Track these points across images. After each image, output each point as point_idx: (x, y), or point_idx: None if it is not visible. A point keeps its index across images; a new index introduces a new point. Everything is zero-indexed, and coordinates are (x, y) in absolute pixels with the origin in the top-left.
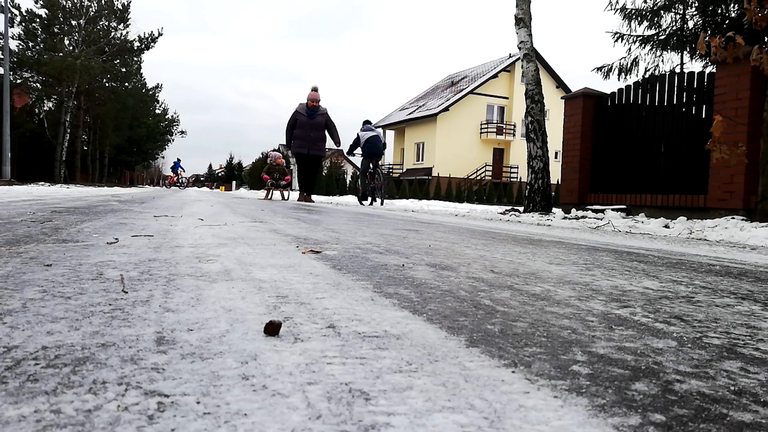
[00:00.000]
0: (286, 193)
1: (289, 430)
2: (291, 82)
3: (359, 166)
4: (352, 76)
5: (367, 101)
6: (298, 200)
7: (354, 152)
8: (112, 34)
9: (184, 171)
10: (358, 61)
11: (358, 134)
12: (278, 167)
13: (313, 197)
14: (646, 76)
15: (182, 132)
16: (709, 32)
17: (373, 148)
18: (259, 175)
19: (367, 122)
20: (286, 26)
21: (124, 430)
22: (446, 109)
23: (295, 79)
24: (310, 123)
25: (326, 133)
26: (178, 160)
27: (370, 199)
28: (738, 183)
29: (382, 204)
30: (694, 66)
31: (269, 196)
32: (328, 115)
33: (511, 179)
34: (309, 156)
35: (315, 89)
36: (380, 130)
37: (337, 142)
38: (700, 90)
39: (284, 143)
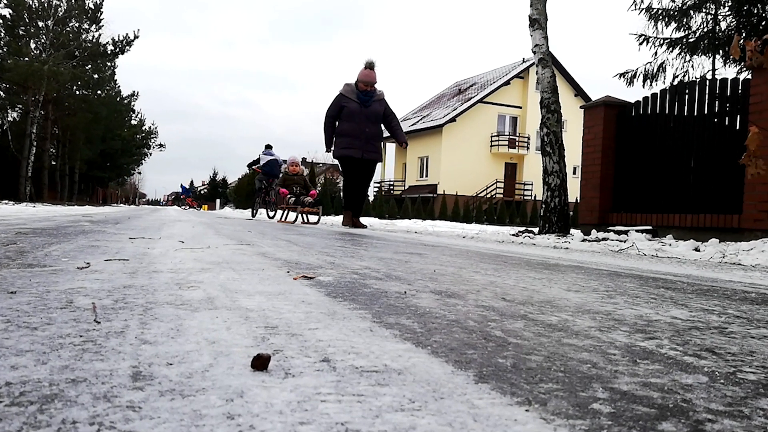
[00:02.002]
0: (314, 216)
1: None
2: (277, 89)
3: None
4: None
5: None
6: (344, 224)
7: (253, 167)
8: (83, 36)
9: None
10: (353, 66)
11: (259, 155)
12: (297, 177)
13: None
14: (674, 82)
15: (161, 145)
16: (743, 34)
17: (271, 169)
18: (249, 190)
19: (268, 146)
20: (270, 27)
21: None
22: (453, 119)
23: (282, 85)
24: (363, 113)
25: (383, 128)
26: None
27: (266, 211)
28: None
29: (272, 218)
30: (727, 72)
31: (285, 217)
32: (387, 103)
33: (525, 197)
34: (363, 162)
35: (370, 66)
36: (278, 154)
37: (403, 140)
38: (733, 98)
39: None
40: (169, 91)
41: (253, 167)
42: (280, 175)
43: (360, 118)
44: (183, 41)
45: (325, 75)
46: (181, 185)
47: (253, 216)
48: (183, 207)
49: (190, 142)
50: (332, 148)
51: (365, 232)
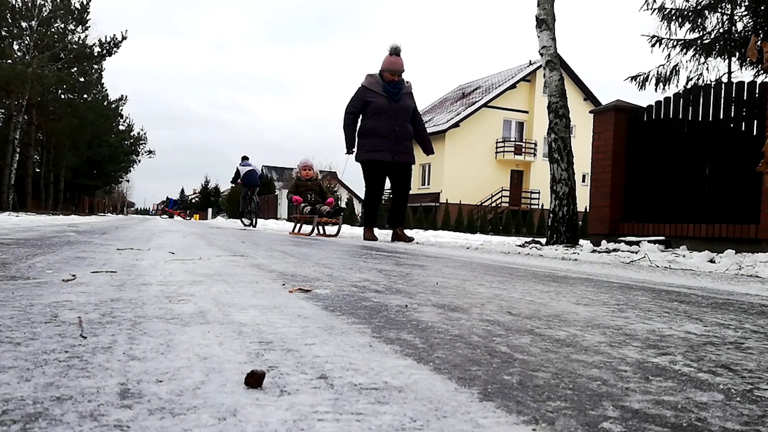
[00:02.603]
0: (333, 227)
1: None
2: (272, 92)
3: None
4: (345, 86)
5: None
6: (366, 238)
7: (237, 182)
8: (69, 37)
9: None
10: (351, 68)
11: (237, 168)
12: (312, 183)
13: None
14: (688, 86)
15: (150, 152)
16: (761, 35)
17: (250, 179)
18: (239, 198)
19: (245, 158)
20: (264, 28)
21: None
22: (456, 124)
23: (277, 89)
24: (393, 108)
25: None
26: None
27: (248, 220)
28: None
29: (255, 225)
30: (744, 75)
31: (298, 229)
32: (414, 97)
33: (532, 206)
34: (394, 166)
35: (396, 51)
36: (256, 165)
37: (431, 149)
38: (750, 103)
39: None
40: (158, 95)
41: (237, 182)
42: (295, 180)
43: (389, 114)
44: (172, 43)
45: (321, 78)
46: (168, 197)
47: (244, 221)
48: (163, 216)
49: (180, 148)
50: (354, 151)
51: (364, 243)
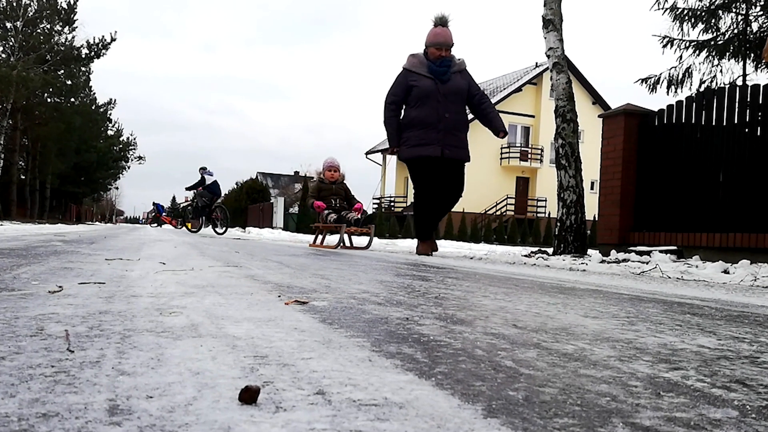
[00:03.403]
0: (363, 238)
1: None
2: (265, 96)
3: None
4: (341, 88)
5: (359, 119)
6: (419, 252)
7: (196, 189)
8: (56, 38)
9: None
10: (347, 71)
11: (203, 176)
12: (336, 186)
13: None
14: (701, 89)
15: (140, 158)
16: None
17: (215, 189)
18: (236, 207)
19: (205, 168)
20: (256, 29)
21: None
22: None
23: (271, 92)
24: (441, 92)
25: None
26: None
27: (203, 226)
28: None
29: (224, 233)
30: (759, 77)
31: (321, 241)
32: (470, 75)
33: (538, 214)
34: (444, 163)
35: (443, 21)
36: (216, 176)
37: (501, 128)
38: (766, 106)
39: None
40: (146, 99)
41: (196, 188)
42: (316, 182)
43: (436, 99)
44: (160, 44)
45: (316, 81)
46: (155, 203)
47: (193, 229)
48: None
49: (171, 154)
50: (397, 149)
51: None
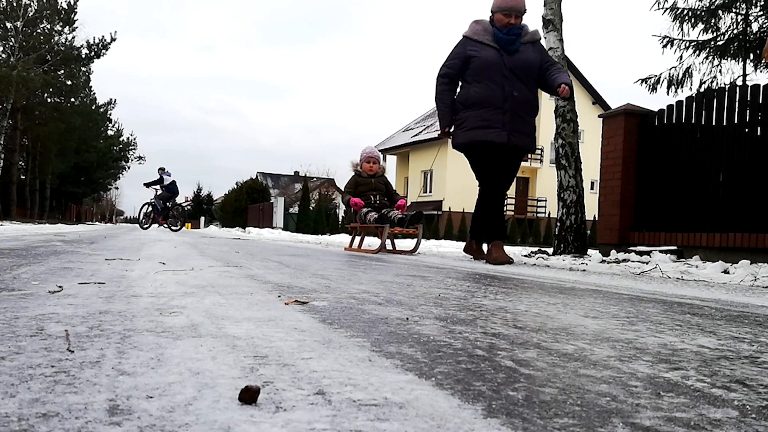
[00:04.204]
0: (408, 241)
1: None
2: (264, 96)
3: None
4: (342, 89)
5: (360, 120)
6: (472, 255)
7: (152, 186)
8: (56, 38)
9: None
10: (345, 71)
11: (162, 176)
12: (376, 180)
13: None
14: (701, 89)
15: (140, 158)
16: None
17: (171, 189)
18: (236, 207)
19: (163, 169)
20: (254, 29)
21: None
22: None
23: (269, 92)
24: (507, 65)
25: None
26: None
27: (170, 226)
28: None
29: (179, 229)
30: (759, 78)
31: (358, 243)
32: (543, 47)
33: (538, 215)
34: (507, 151)
35: None
36: (174, 177)
37: (562, 80)
38: (766, 107)
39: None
40: (145, 99)
41: (153, 186)
42: (353, 176)
43: (501, 73)
44: (158, 44)
45: (314, 81)
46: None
47: (145, 227)
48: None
49: (171, 154)
50: (451, 130)
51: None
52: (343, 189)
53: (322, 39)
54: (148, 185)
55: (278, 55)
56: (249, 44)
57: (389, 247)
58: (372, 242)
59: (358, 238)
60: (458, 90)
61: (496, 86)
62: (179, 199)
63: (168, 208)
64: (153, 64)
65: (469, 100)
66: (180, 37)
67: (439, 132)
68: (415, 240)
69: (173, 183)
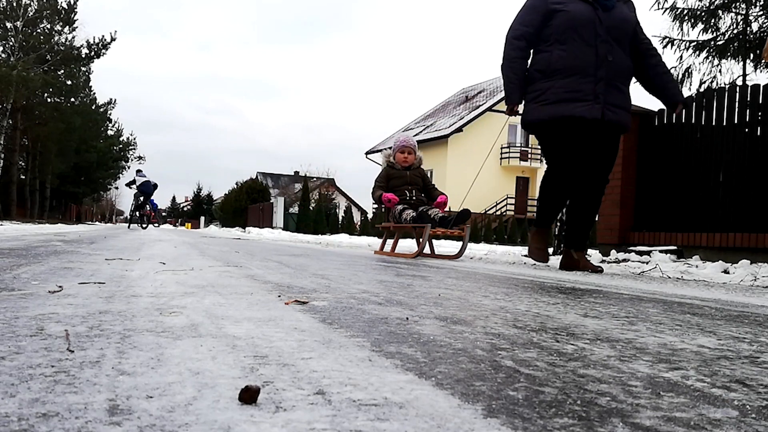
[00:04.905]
0: (450, 243)
1: None
2: (262, 96)
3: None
4: (341, 88)
5: (359, 120)
6: (535, 257)
7: (131, 186)
8: (56, 38)
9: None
10: (347, 70)
11: (135, 178)
12: (412, 173)
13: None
14: (701, 89)
15: (140, 158)
16: None
17: (144, 188)
18: (236, 207)
19: (139, 170)
20: (250, 28)
21: None
22: (459, 129)
23: (268, 92)
24: (601, 22)
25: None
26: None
27: (140, 224)
28: None
29: (146, 227)
30: (759, 77)
31: (391, 246)
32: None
33: None
34: (600, 126)
35: None
36: (150, 177)
37: (678, 96)
38: (766, 107)
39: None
40: (143, 99)
41: (131, 186)
42: (385, 168)
43: (595, 32)
44: (156, 44)
45: (313, 81)
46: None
47: (131, 225)
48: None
49: (170, 154)
50: (521, 104)
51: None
52: (374, 182)
53: (320, 38)
54: (127, 185)
55: (276, 54)
56: (247, 44)
57: (427, 250)
58: (406, 245)
59: (390, 241)
60: (538, 57)
61: (587, 49)
62: (163, 201)
63: (140, 207)
64: (151, 64)
65: (552, 66)
66: (178, 37)
67: (506, 109)
68: (460, 243)
69: (145, 183)
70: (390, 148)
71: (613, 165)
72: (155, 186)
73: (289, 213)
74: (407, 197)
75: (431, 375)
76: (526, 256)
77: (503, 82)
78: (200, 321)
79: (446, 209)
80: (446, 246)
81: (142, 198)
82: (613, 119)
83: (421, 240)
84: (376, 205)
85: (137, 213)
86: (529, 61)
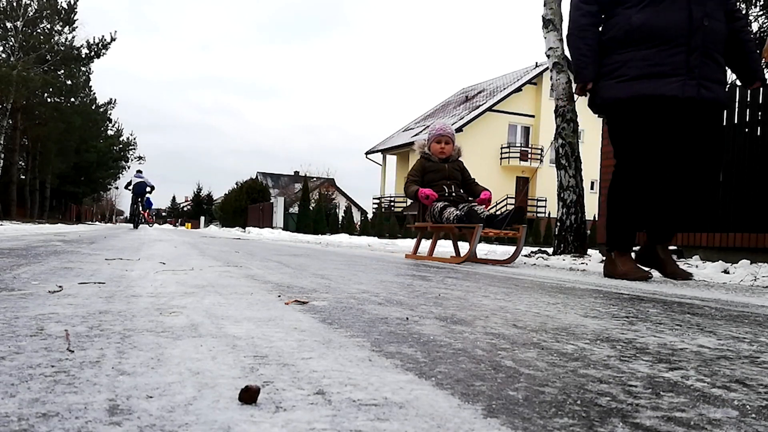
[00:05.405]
0: (502, 248)
1: None
2: (261, 96)
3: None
4: (340, 88)
5: (359, 120)
6: (623, 274)
7: (128, 188)
8: (56, 38)
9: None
10: (346, 70)
11: (132, 178)
12: (450, 165)
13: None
14: None
15: (140, 158)
16: None
17: (139, 189)
18: (236, 207)
19: (139, 171)
20: (249, 29)
21: None
22: (459, 129)
23: (267, 92)
24: None
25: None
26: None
27: (137, 223)
28: None
29: (151, 226)
30: None
31: (430, 250)
32: None
33: (538, 214)
34: (698, 108)
35: None
36: (147, 177)
37: (759, 72)
38: (766, 107)
39: None
40: (142, 99)
41: (127, 188)
42: (419, 160)
43: None
44: (155, 44)
45: (312, 81)
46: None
47: (135, 228)
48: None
49: (170, 155)
50: (587, 90)
51: (364, 252)
52: (407, 176)
53: (320, 38)
54: (126, 188)
55: (276, 54)
56: (246, 44)
57: (463, 253)
58: (442, 247)
59: (427, 242)
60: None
61: (678, 11)
62: (163, 201)
63: (135, 207)
64: (151, 65)
65: (631, 33)
66: (177, 37)
67: (576, 88)
68: (515, 247)
69: (139, 184)
70: (425, 139)
71: (719, 154)
72: (152, 188)
73: (289, 213)
74: (446, 193)
75: (431, 375)
76: (609, 276)
77: (571, 55)
78: (200, 321)
79: (489, 207)
80: (465, 247)
81: (138, 198)
82: (709, 98)
83: (470, 242)
84: (410, 201)
85: (133, 213)
86: (601, 28)
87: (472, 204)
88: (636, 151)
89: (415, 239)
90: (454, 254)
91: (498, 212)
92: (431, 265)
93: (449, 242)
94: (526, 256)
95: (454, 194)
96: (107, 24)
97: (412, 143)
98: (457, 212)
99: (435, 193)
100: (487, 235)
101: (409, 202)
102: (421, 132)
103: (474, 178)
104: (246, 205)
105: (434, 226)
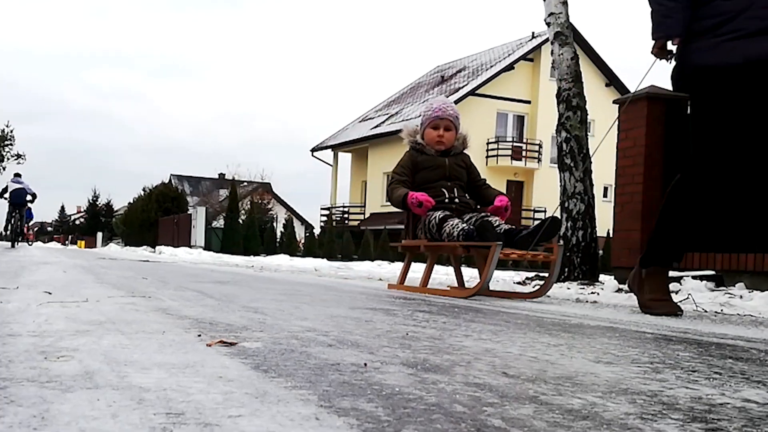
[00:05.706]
0: (536, 279)
1: None
2: (175, 77)
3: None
4: (278, 67)
5: (302, 108)
6: (654, 309)
7: (3, 196)
8: None
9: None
10: (286, 44)
11: (7, 184)
12: (451, 159)
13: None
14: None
15: (18, 156)
16: None
17: (16, 198)
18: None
19: (17, 174)
20: None
21: None
22: None
23: (182, 73)
24: None
25: None
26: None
27: (11, 242)
28: None
29: (30, 245)
30: None
31: (424, 278)
32: None
33: None
34: None
35: None
36: (27, 182)
37: None
38: None
39: None
40: (20, 80)
41: (3, 197)
42: (408, 153)
43: None
44: (34, 9)
45: (244, 57)
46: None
47: (12, 246)
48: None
49: (56, 151)
50: (677, 35)
51: (308, 278)
52: (391, 174)
53: (248, 3)
54: (0, 196)
55: (193, 23)
56: (153, 8)
57: (454, 282)
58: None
59: (421, 266)
60: None
61: None
62: (49, 212)
63: (12, 221)
64: (30, 35)
65: None
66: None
67: (654, 47)
68: (549, 275)
69: (16, 191)
70: (418, 124)
71: None
72: (34, 196)
73: (212, 227)
74: (446, 198)
75: None
76: (645, 312)
77: (653, 7)
78: (97, 367)
79: (505, 218)
80: (469, 274)
81: (14, 209)
82: None
83: (483, 268)
84: (400, 210)
85: (9, 228)
86: None
87: (484, 215)
88: (736, 145)
89: (457, 267)
90: (456, 284)
91: (522, 229)
92: (396, 296)
93: (444, 267)
94: (519, 283)
95: (457, 200)
96: None
97: (373, 137)
98: (464, 225)
99: (431, 198)
100: (507, 257)
101: (369, 214)
102: (384, 122)
103: (484, 179)
104: (156, 217)
105: (430, 244)
